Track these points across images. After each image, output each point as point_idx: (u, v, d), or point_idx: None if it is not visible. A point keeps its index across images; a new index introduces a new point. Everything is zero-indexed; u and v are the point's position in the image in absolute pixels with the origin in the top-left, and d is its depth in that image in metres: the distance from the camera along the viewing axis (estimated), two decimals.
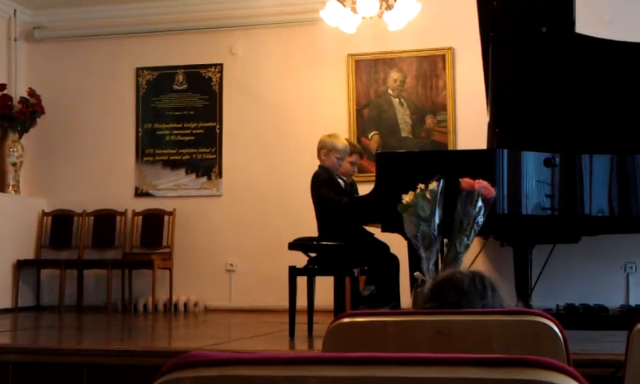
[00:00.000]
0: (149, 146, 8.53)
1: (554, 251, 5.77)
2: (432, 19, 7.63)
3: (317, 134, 6.12)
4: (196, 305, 8.10)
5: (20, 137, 8.48)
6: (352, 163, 6.18)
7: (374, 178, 5.14)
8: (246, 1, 8.26)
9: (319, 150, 5.78)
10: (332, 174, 5.75)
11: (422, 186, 4.05)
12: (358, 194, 5.96)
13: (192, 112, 8.47)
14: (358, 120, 7.97)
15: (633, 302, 6.98)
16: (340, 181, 5.83)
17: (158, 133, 8.53)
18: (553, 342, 1.61)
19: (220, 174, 8.32)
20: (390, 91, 7.94)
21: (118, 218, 8.40)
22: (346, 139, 6.24)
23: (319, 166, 5.77)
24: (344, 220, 5.35)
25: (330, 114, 7.92)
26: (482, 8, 5.81)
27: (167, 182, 8.46)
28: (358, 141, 7.69)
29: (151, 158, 8.51)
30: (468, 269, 1.94)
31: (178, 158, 8.45)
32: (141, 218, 8.37)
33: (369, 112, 7.97)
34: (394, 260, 5.60)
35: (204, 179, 8.37)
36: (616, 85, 5.58)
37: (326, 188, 5.63)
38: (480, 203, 4.05)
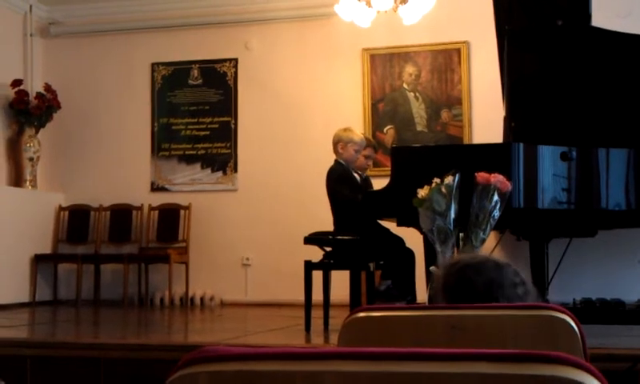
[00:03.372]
0: (164, 141, 8.56)
1: (570, 245, 5.74)
2: (447, 13, 7.60)
3: (332, 128, 6.12)
4: (212, 299, 8.12)
5: (36, 132, 8.52)
6: (366, 157, 6.17)
7: (389, 173, 5.12)
8: None
9: (335, 143, 5.77)
10: (348, 169, 5.74)
11: (437, 180, 4.03)
12: (372, 189, 5.95)
13: (207, 107, 8.48)
14: (373, 114, 7.95)
15: None
16: (355, 175, 5.82)
17: (173, 127, 8.55)
18: (569, 337, 1.60)
19: (235, 169, 8.34)
20: (405, 85, 7.92)
21: (134, 212, 8.43)
22: (361, 133, 6.24)
23: (335, 161, 5.76)
24: (359, 215, 5.34)
25: (345, 109, 7.91)
26: (498, 1, 5.79)
27: (183, 176, 8.48)
28: (373, 135, 7.68)
29: (167, 153, 8.54)
30: (501, 259, 1.89)
31: (194, 152, 8.46)
32: (157, 212, 8.40)
33: (384, 106, 7.95)
34: (410, 254, 5.60)
35: (219, 174, 8.39)
36: (632, 78, 5.54)
37: (341, 184, 5.63)
38: (496, 197, 4.04)
